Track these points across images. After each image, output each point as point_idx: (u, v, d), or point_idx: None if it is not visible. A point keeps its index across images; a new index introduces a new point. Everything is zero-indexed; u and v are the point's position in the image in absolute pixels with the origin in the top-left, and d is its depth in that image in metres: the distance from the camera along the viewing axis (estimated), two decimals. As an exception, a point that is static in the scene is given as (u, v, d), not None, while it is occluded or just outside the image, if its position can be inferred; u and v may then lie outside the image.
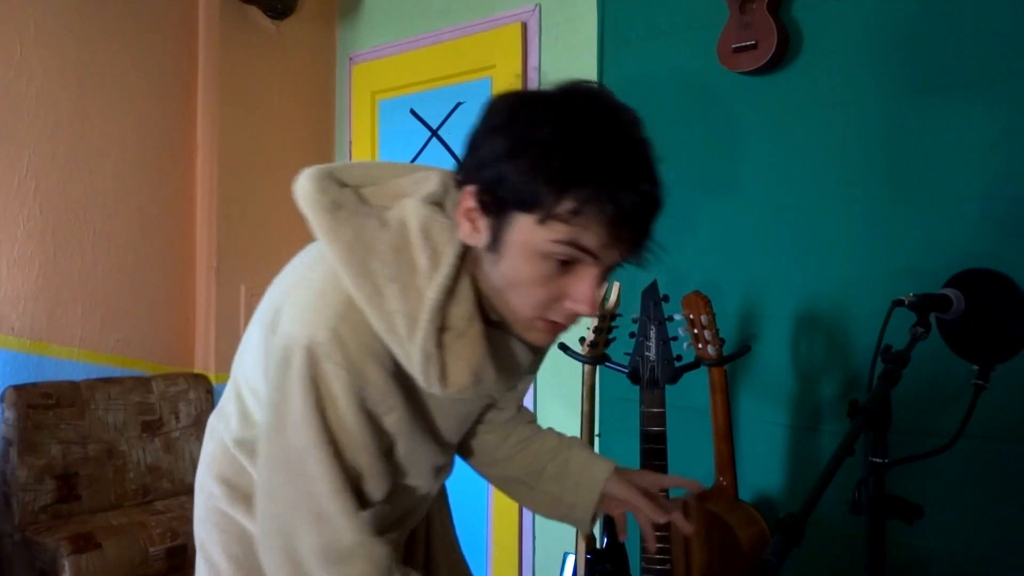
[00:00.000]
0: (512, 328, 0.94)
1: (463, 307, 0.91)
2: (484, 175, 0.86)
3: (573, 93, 0.87)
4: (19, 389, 2.66)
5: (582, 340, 2.06)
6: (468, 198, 0.89)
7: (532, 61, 2.83)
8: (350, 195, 0.95)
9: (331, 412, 0.91)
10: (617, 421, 2.36)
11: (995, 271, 1.37)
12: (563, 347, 2.06)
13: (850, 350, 2.05)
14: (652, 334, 1.85)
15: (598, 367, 2.09)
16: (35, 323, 2.88)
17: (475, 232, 0.89)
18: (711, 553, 1.89)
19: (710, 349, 1.95)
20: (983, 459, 1.79)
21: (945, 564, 1.86)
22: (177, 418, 3.00)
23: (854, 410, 1.16)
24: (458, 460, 1.28)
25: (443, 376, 0.91)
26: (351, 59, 3.52)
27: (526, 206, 0.83)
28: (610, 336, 2.07)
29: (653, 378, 1.83)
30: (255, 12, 3.29)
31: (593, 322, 2.03)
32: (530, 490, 1.28)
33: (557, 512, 1.28)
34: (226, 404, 1.15)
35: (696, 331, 1.97)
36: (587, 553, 2.06)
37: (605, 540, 2.05)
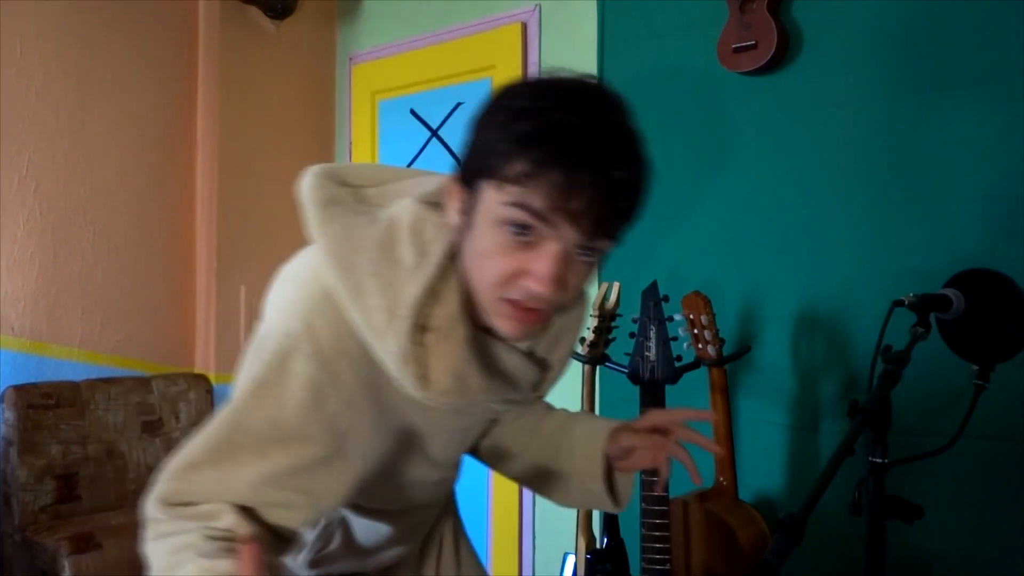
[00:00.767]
0: (487, 319, 0.91)
1: (448, 308, 0.89)
2: (464, 151, 0.88)
3: (566, 76, 0.87)
4: (19, 389, 2.66)
5: (582, 340, 2.06)
6: (453, 180, 0.89)
7: (532, 61, 2.83)
8: (348, 194, 0.95)
9: (281, 400, 0.89)
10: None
11: (995, 271, 1.37)
12: (563, 347, 2.06)
13: (850, 350, 2.05)
14: (652, 334, 1.85)
15: (598, 367, 2.09)
16: (35, 323, 2.88)
17: (457, 213, 0.89)
18: (711, 553, 1.89)
19: (710, 349, 1.96)
20: (983, 459, 1.79)
21: (945, 564, 1.86)
22: (177, 418, 3.00)
23: (854, 410, 1.16)
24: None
25: (423, 378, 0.89)
26: (351, 59, 3.52)
27: (486, 171, 0.83)
28: (610, 336, 2.07)
29: (653, 378, 1.83)
30: (255, 12, 3.29)
31: (593, 322, 2.03)
32: (555, 479, 1.20)
33: (580, 494, 1.18)
34: None
35: (696, 331, 1.97)
36: (587, 553, 2.06)
37: (605, 540, 2.05)
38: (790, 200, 2.16)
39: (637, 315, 1.87)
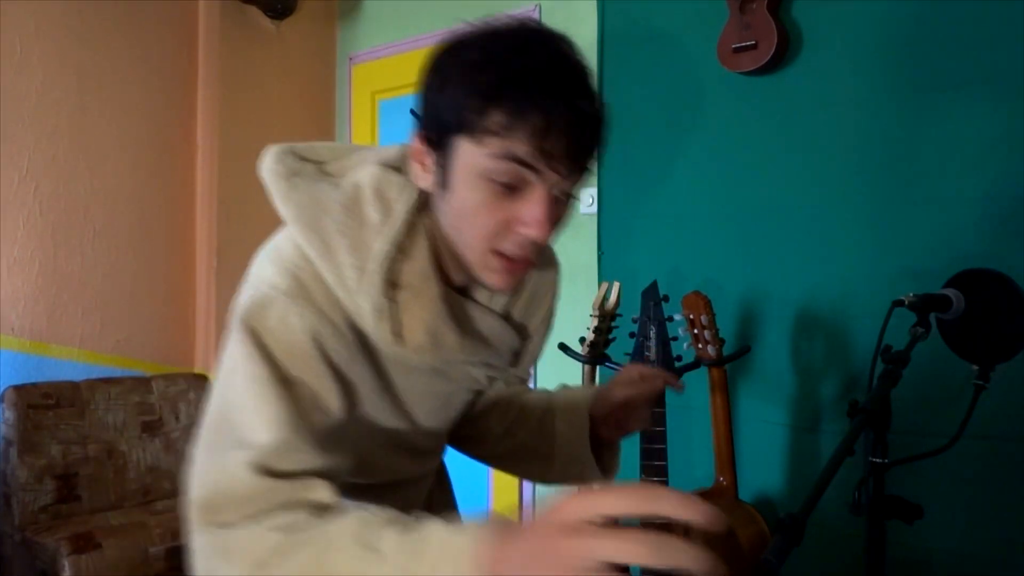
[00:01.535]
0: (474, 276, 0.92)
1: (417, 264, 0.91)
2: (426, 112, 0.88)
3: (507, 23, 0.88)
4: (19, 389, 2.66)
5: (582, 340, 2.06)
6: (416, 140, 0.90)
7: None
8: (310, 167, 0.97)
9: (285, 352, 0.87)
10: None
11: (995, 271, 1.37)
12: (563, 347, 2.06)
13: (850, 350, 2.05)
14: (652, 334, 1.85)
15: (598, 367, 2.09)
16: (35, 323, 2.88)
17: (426, 173, 0.90)
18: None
19: (710, 349, 1.95)
20: (983, 459, 1.79)
21: (945, 564, 1.86)
22: (177, 418, 3.00)
23: (854, 410, 1.16)
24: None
25: (397, 333, 0.90)
26: (351, 59, 3.52)
27: (461, 127, 0.84)
28: (610, 336, 2.07)
29: (653, 378, 1.83)
30: (255, 12, 3.29)
31: (593, 322, 2.03)
32: (537, 450, 1.18)
33: (564, 464, 1.17)
34: None
35: (696, 331, 1.97)
36: (587, 553, 2.06)
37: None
38: (790, 200, 2.16)
39: (637, 315, 1.87)
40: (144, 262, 3.16)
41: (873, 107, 2.03)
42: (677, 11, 2.39)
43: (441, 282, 0.93)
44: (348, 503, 0.83)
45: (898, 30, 1.99)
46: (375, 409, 0.99)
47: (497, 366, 1.08)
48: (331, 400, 0.89)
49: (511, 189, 0.84)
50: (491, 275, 0.90)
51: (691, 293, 1.98)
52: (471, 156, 0.84)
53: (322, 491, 0.83)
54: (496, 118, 0.81)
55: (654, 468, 1.78)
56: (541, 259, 0.97)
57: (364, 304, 0.89)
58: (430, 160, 0.89)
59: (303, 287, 0.89)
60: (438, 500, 1.26)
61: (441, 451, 1.21)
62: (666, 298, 1.85)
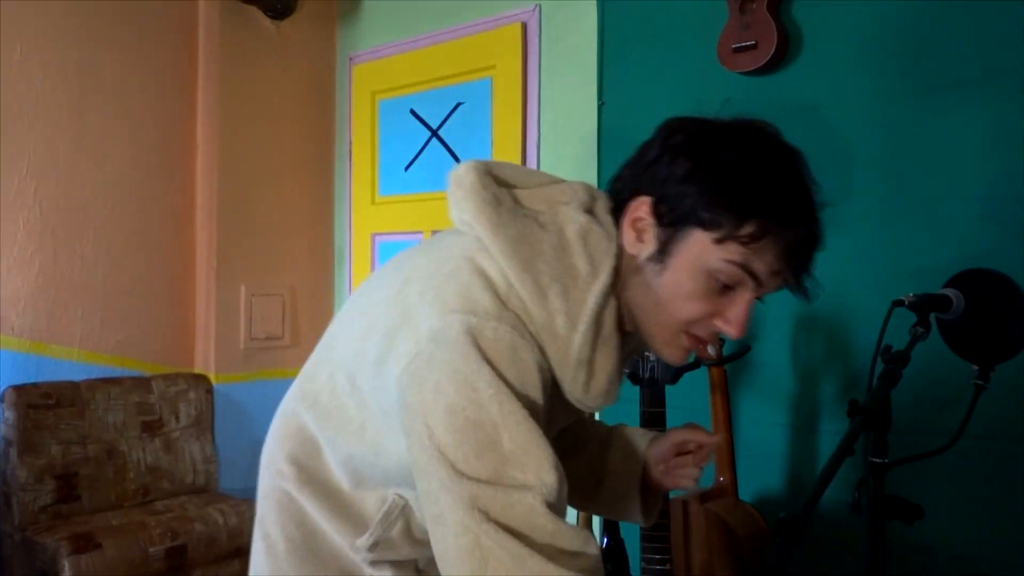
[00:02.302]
0: (650, 343, 0.97)
1: (610, 316, 0.94)
2: (666, 190, 0.90)
3: (751, 126, 0.93)
4: (19, 389, 2.66)
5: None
6: (641, 208, 0.92)
7: (532, 61, 2.83)
8: (507, 195, 0.97)
9: (523, 386, 0.87)
10: (617, 421, 2.36)
11: (995, 271, 1.37)
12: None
13: (850, 350, 2.05)
14: (652, 334, 1.85)
15: (598, 367, 2.09)
16: (35, 323, 2.88)
17: (639, 242, 0.93)
18: (711, 553, 1.89)
19: (710, 349, 1.95)
20: (983, 459, 1.79)
21: (945, 564, 1.86)
22: (177, 418, 3.00)
23: (854, 410, 1.16)
24: None
25: (588, 382, 0.93)
26: (351, 59, 3.52)
27: (706, 224, 0.88)
28: (610, 336, 2.07)
29: (653, 378, 1.83)
30: (255, 12, 3.29)
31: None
32: (588, 489, 1.22)
33: (608, 497, 1.22)
34: (308, 384, 1.09)
35: (696, 331, 1.96)
36: (587, 553, 2.06)
37: (605, 540, 2.05)
38: (790, 200, 2.16)
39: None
40: (144, 262, 3.16)
41: (873, 107, 2.03)
42: (677, 11, 2.39)
43: (619, 334, 0.96)
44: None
45: (898, 30, 1.99)
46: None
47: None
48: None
49: (725, 288, 0.90)
50: (671, 349, 0.96)
51: (691, 293, 1.98)
52: (704, 251, 0.88)
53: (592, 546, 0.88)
54: (747, 230, 0.86)
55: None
56: None
57: (571, 353, 0.91)
58: (651, 234, 0.92)
59: (521, 323, 0.90)
60: None
61: None
62: (666, 298, 1.85)
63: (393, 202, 3.32)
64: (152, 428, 2.94)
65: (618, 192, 0.97)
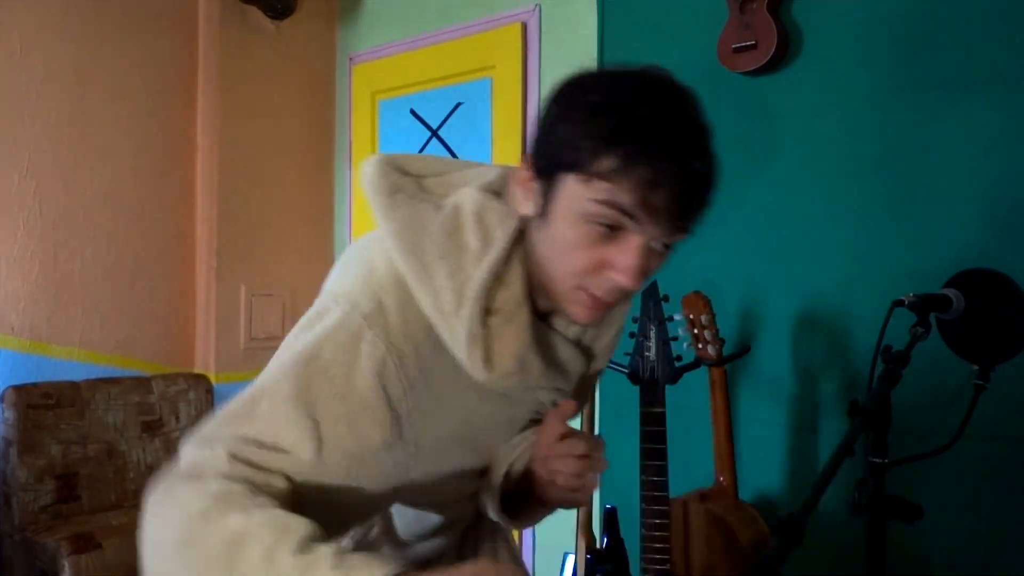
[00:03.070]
0: (557, 304, 0.94)
1: (512, 291, 0.92)
2: (538, 141, 0.90)
3: (636, 70, 0.89)
4: (19, 389, 2.66)
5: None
6: (524, 166, 0.92)
7: (532, 61, 2.83)
8: (410, 183, 0.97)
9: (349, 378, 0.88)
10: (617, 421, 2.36)
11: (995, 271, 1.37)
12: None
13: (850, 350, 2.05)
14: (652, 334, 1.85)
15: (598, 367, 2.09)
16: (35, 323, 2.88)
17: (527, 200, 0.91)
18: (711, 553, 1.89)
19: (710, 349, 1.95)
20: (983, 459, 1.79)
21: (945, 564, 1.86)
22: (177, 418, 3.00)
23: (854, 410, 1.16)
24: None
25: (487, 359, 0.91)
26: (351, 59, 3.52)
27: (571, 166, 0.85)
28: (610, 336, 2.07)
29: (653, 378, 1.83)
30: (255, 12, 3.29)
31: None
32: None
33: (484, 497, 1.15)
34: None
35: (696, 331, 1.97)
36: (587, 553, 2.06)
37: (605, 540, 2.05)
38: (790, 200, 2.16)
39: (637, 315, 1.87)
40: (144, 262, 3.16)
41: (873, 107, 2.03)
42: (677, 11, 2.39)
43: (530, 310, 0.94)
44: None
45: (898, 30, 1.99)
46: (437, 433, 0.98)
47: (565, 390, 1.08)
48: (373, 433, 0.89)
49: (609, 233, 0.85)
50: (575, 308, 0.92)
51: (691, 293, 1.98)
52: (575, 195, 0.85)
53: (280, 482, 0.85)
54: (606, 163, 0.82)
55: (654, 468, 1.78)
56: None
57: (459, 329, 0.89)
58: (534, 189, 0.90)
59: (382, 313, 0.90)
60: (487, 526, 1.26)
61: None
62: (666, 298, 1.85)
63: (393, 202, 3.32)
64: (152, 428, 2.94)
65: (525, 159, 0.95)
